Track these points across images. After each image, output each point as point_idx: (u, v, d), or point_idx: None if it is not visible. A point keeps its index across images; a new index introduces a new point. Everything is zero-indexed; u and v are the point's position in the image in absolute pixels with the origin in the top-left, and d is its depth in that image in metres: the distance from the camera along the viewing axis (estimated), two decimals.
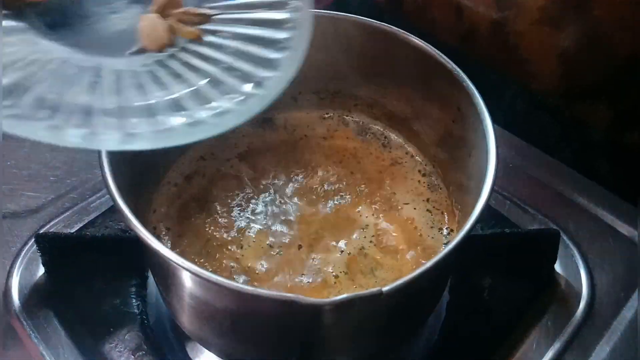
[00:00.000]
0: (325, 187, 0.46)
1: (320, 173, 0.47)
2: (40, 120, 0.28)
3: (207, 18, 0.33)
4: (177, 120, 0.29)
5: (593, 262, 0.51)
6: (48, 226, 0.52)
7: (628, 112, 0.60)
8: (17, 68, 0.28)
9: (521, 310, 0.48)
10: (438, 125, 0.45)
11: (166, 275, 0.36)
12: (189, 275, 0.33)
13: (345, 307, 0.29)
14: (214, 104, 0.30)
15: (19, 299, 0.47)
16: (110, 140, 0.28)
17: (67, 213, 0.53)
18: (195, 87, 0.31)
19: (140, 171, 0.40)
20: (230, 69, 0.32)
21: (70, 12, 0.32)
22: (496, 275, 0.49)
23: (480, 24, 0.67)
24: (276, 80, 0.31)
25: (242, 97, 0.31)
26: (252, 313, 0.33)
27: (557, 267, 0.51)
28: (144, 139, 0.28)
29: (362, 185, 0.46)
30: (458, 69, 0.40)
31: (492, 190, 0.34)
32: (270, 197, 0.45)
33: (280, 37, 0.33)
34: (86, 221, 0.52)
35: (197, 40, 0.33)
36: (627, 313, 0.48)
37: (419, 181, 0.47)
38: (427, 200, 0.46)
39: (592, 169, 0.60)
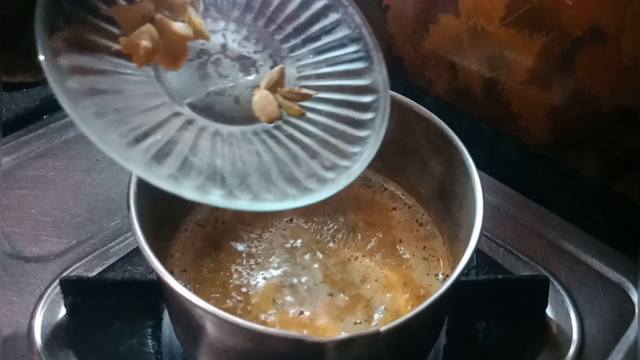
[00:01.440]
0: (326, 233, 0.49)
1: (320, 218, 0.50)
2: (190, 180, 0.30)
3: (308, 97, 0.36)
4: (290, 187, 0.32)
5: (583, 307, 0.54)
6: (70, 270, 0.55)
7: (616, 162, 0.64)
8: (159, 129, 0.30)
9: (515, 353, 0.50)
10: (432, 179, 0.49)
11: (182, 314, 0.39)
12: (204, 315, 0.36)
13: (346, 345, 0.32)
14: (316, 174, 0.34)
15: (41, 339, 0.49)
16: (243, 201, 0.31)
17: (88, 257, 0.56)
18: (298, 158, 0.34)
19: (161, 219, 0.43)
20: (325, 143, 0.35)
21: (196, 82, 0.34)
22: (490, 319, 0.51)
23: (474, 82, 0.72)
24: (364, 156, 0.35)
25: (336, 171, 0.34)
26: (263, 351, 0.36)
27: (549, 311, 0.53)
28: (266, 201, 0.31)
29: (360, 233, 0.50)
30: (449, 129, 0.45)
31: (480, 238, 0.38)
32: (277, 243, 0.49)
33: (364, 118, 0.37)
34: (106, 265, 0.55)
35: (300, 116, 0.36)
36: (616, 356, 0.50)
37: (416, 230, 0.51)
38: (424, 248, 0.49)
39: (582, 217, 0.63)
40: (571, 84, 0.63)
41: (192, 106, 0.33)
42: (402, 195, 0.53)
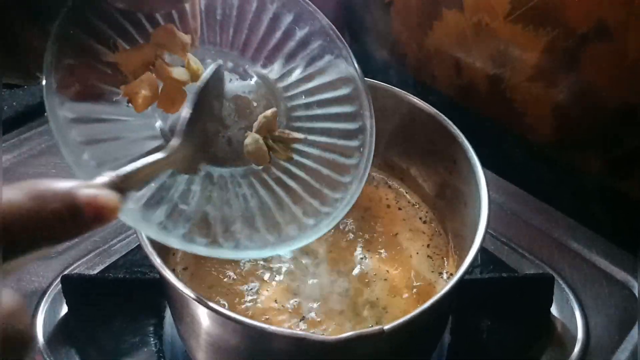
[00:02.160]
0: (329, 232, 0.49)
1: None
2: (179, 228, 0.31)
3: (299, 141, 0.37)
4: (271, 235, 0.33)
5: (588, 306, 0.53)
6: (72, 268, 0.55)
7: (620, 160, 0.63)
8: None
9: (519, 351, 0.50)
10: (436, 177, 0.48)
11: (185, 312, 0.39)
12: (205, 312, 0.36)
13: (350, 344, 0.32)
14: (297, 220, 0.34)
15: (43, 337, 0.49)
16: (226, 249, 0.32)
17: (90, 255, 0.56)
18: (282, 203, 0.35)
19: None
20: (310, 187, 0.36)
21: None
22: (495, 318, 0.51)
23: (478, 79, 0.71)
24: (345, 202, 0.36)
25: (317, 218, 0.35)
26: (265, 349, 0.36)
27: (553, 310, 0.53)
28: (247, 249, 0.33)
29: (364, 231, 0.49)
30: (454, 125, 0.44)
31: (485, 236, 0.37)
32: None
33: (348, 163, 0.38)
34: (107, 263, 0.55)
35: (288, 160, 0.37)
36: (622, 355, 0.50)
37: (420, 228, 0.50)
38: (428, 246, 0.49)
39: (586, 216, 0.62)
40: (576, 81, 0.62)
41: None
42: (406, 193, 0.53)
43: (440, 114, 0.45)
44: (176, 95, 0.33)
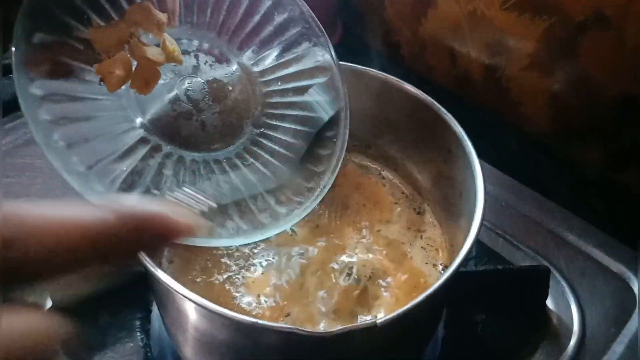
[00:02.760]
0: (322, 222, 0.48)
1: (319, 209, 0.49)
2: None
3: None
4: (244, 222, 0.33)
5: (584, 298, 0.53)
6: None
7: (618, 152, 0.62)
8: (126, 158, 0.31)
9: (514, 345, 0.49)
10: (431, 166, 0.47)
11: (171, 306, 0.38)
12: (193, 307, 0.34)
13: (342, 338, 0.31)
14: (270, 208, 0.35)
15: None
16: (198, 237, 0.31)
17: None
18: (256, 191, 0.35)
19: None
20: (282, 175, 0.36)
21: (165, 105, 0.34)
22: (490, 311, 0.50)
23: (473, 69, 0.71)
24: (316, 192, 0.36)
25: (289, 206, 0.35)
26: (254, 344, 0.34)
27: (549, 303, 0.52)
28: (220, 238, 0.32)
29: (357, 222, 0.48)
30: (448, 114, 0.43)
31: (481, 228, 0.36)
32: None
33: (322, 153, 0.38)
34: None
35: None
36: (618, 348, 0.49)
37: (414, 219, 0.49)
38: (422, 237, 0.48)
39: (583, 207, 0.62)
40: (573, 71, 0.61)
41: (159, 131, 0.33)
42: (400, 183, 0.52)
43: (434, 102, 0.44)
44: (150, 75, 0.32)
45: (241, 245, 0.35)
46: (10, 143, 0.66)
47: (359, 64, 0.48)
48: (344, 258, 0.45)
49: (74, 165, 0.29)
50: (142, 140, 0.33)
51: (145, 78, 0.32)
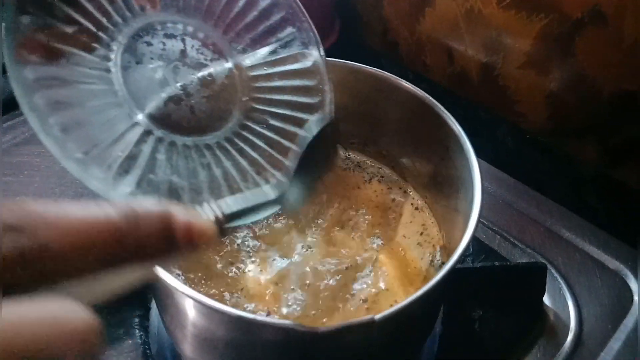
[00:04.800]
0: (320, 219, 0.48)
1: (314, 204, 0.49)
2: (150, 199, 0.31)
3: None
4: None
5: (580, 295, 0.53)
6: None
7: (615, 149, 0.63)
8: (119, 143, 0.31)
9: (511, 341, 0.49)
10: (428, 164, 0.47)
11: (169, 303, 0.38)
12: (191, 303, 0.35)
13: (339, 334, 0.31)
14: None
15: None
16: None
17: None
18: (246, 174, 0.35)
19: None
20: (271, 158, 0.37)
21: (155, 89, 0.35)
22: (487, 307, 0.51)
23: (470, 66, 0.71)
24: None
25: (283, 186, 0.36)
26: (252, 340, 0.34)
27: (546, 299, 0.52)
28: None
29: (354, 218, 0.48)
30: (446, 111, 0.43)
31: (478, 224, 0.36)
32: (268, 230, 0.47)
33: (303, 135, 0.38)
34: None
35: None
36: (615, 344, 0.50)
37: (411, 215, 0.49)
38: (421, 234, 0.48)
39: (580, 204, 0.62)
40: (570, 68, 0.61)
41: (150, 115, 0.34)
42: (397, 179, 0.52)
43: (431, 98, 0.44)
44: None
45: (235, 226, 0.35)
46: (8, 142, 0.66)
47: (356, 62, 0.48)
48: (340, 254, 0.45)
49: (71, 152, 0.29)
50: (134, 125, 0.33)
51: None
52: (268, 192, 0.35)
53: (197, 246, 0.23)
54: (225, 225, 0.28)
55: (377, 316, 0.31)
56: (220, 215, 0.28)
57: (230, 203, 0.30)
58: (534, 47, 0.63)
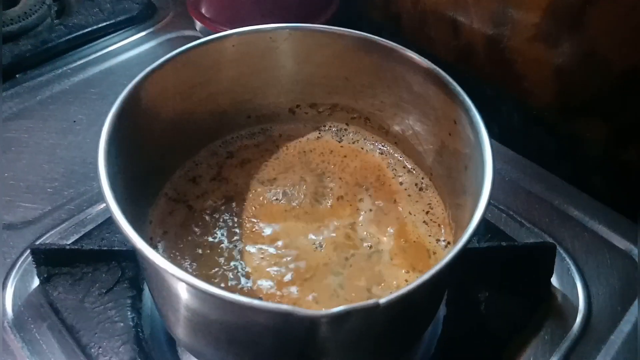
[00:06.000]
0: (324, 198, 0.46)
1: (317, 182, 0.47)
2: None
3: None
4: None
5: (589, 276, 0.51)
6: (44, 238, 0.52)
7: (624, 127, 0.61)
8: None
9: (518, 323, 0.48)
10: (434, 139, 0.45)
11: (161, 286, 0.36)
12: (184, 287, 0.32)
13: (341, 319, 0.29)
14: None
15: (12, 311, 0.46)
16: None
17: (64, 224, 0.53)
18: None
19: (136, 184, 0.40)
20: None
21: None
22: (493, 289, 0.49)
23: (476, 40, 0.68)
24: None
25: None
26: (248, 325, 0.33)
27: (554, 280, 0.50)
28: None
29: (359, 198, 0.46)
30: (454, 82, 0.41)
31: (489, 203, 0.34)
32: (269, 209, 0.45)
33: None
34: (82, 233, 0.52)
35: None
36: (625, 327, 0.48)
37: (416, 194, 0.47)
38: (427, 213, 0.46)
39: (589, 183, 0.60)
40: (580, 42, 0.59)
41: None
42: (401, 158, 0.50)
43: (438, 69, 0.42)
44: None
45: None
46: None
47: None
48: (345, 235, 0.43)
49: None
50: None
51: None
52: None
53: None
54: None
55: (382, 300, 0.29)
56: None
57: None
58: (542, 20, 0.60)
